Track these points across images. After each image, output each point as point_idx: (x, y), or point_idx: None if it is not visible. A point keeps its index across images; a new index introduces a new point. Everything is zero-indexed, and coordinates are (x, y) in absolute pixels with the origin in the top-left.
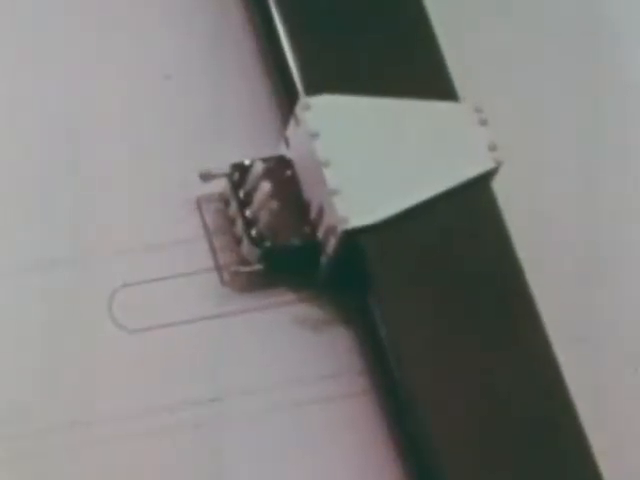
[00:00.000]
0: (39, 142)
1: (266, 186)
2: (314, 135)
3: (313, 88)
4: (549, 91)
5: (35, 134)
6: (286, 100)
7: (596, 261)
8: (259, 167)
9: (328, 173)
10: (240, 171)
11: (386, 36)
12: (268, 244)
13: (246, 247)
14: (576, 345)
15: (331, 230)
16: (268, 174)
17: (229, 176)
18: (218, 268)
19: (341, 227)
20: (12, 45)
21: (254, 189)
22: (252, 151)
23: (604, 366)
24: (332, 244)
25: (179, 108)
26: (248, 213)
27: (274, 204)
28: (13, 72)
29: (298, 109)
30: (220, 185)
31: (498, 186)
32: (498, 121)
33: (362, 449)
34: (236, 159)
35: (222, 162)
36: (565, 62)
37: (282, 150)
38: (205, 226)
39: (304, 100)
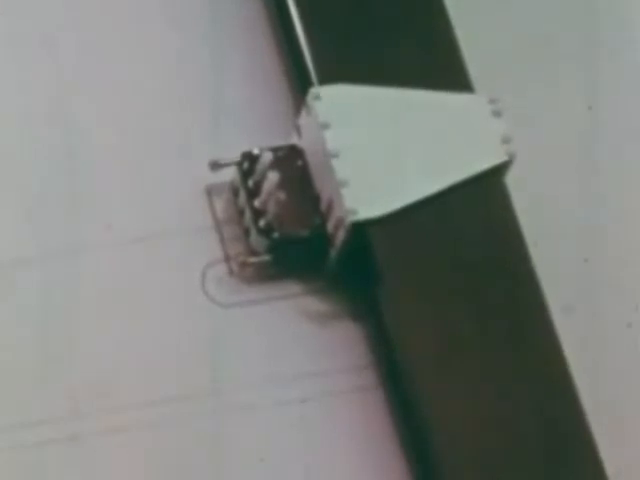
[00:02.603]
0: (47, 134)
1: (274, 176)
2: (324, 125)
3: (327, 77)
4: (562, 82)
5: (44, 127)
6: (301, 89)
7: (605, 254)
8: (267, 157)
9: (337, 164)
10: (249, 160)
11: (402, 26)
12: (276, 235)
13: (254, 237)
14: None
15: (340, 222)
16: (277, 164)
17: (239, 165)
18: (226, 258)
19: (349, 219)
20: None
21: (263, 179)
22: (268, 139)
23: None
24: (340, 236)
25: (193, 95)
26: (257, 203)
27: (282, 195)
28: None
29: (309, 99)
30: (232, 174)
31: (510, 179)
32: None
33: (367, 443)
34: (253, 147)
35: (238, 150)
36: (578, 55)
37: (294, 140)
38: (214, 216)
39: (315, 90)
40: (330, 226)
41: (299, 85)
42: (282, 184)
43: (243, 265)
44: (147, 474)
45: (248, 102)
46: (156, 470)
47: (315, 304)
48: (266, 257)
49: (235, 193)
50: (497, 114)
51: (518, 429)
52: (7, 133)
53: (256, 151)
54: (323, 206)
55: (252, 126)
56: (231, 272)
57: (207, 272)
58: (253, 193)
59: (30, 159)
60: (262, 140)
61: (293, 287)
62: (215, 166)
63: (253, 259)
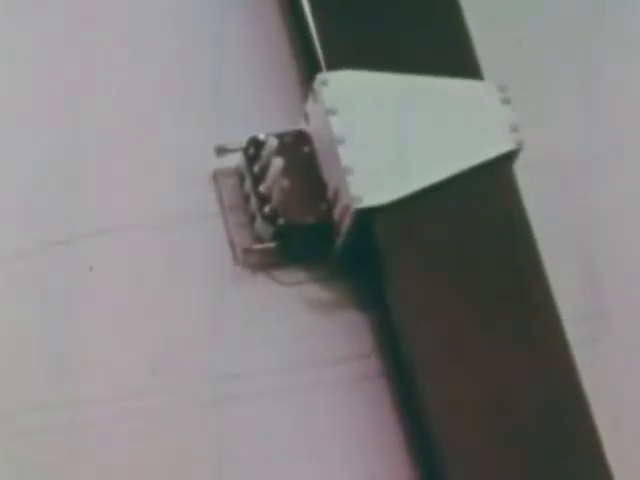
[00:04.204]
0: (50, 122)
1: (278, 162)
2: (330, 111)
3: (336, 63)
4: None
5: (47, 116)
6: (310, 75)
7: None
8: (273, 143)
9: (343, 150)
10: (255, 146)
11: (412, 12)
12: (281, 221)
13: (259, 224)
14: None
15: (346, 209)
16: (282, 150)
17: (245, 151)
18: (231, 245)
19: (354, 206)
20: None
21: (268, 165)
22: (279, 124)
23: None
24: (346, 224)
25: (201, 78)
26: (262, 189)
27: (285, 182)
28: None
29: (316, 84)
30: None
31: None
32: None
33: (370, 431)
34: (266, 132)
35: (248, 135)
36: (587, 45)
37: (302, 125)
38: (220, 201)
39: (322, 75)
40: (336, 213)
41: (308, 70)
42: (287, 170)
43: (247, 252)
44: (146, 462)
45: (258, 86)
46: (154, 458)
47: (320, 292)
48: (271, 244)
49: (241, 179)
50: (506, 102)
51: (521, 419)
52: (8, 130)
53: (262, 136)
54: (330, 193)
55: (262, 111)
56: (235, 259)
57: (212, 258)
58: (258, 179)
59: (32, 148)
60: (273, 125)
61: (298, 275)
62: (221, 151)
63: (257, 246)
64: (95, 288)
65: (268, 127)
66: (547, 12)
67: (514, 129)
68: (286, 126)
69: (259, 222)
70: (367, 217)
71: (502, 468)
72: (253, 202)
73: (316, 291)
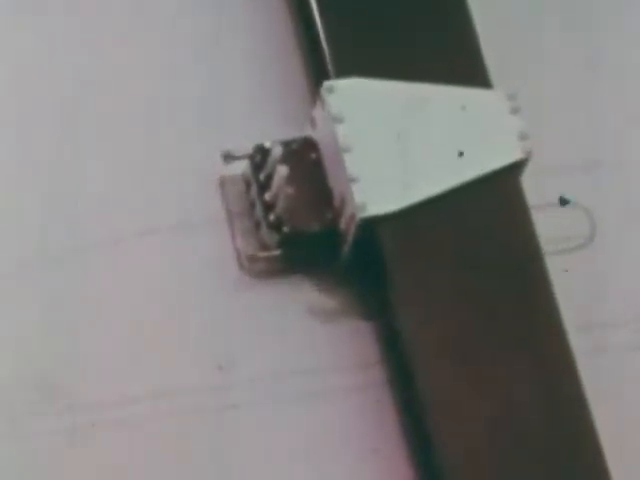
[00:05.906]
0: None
1: (283, 170)
2: (337, 119)
3: (344, 70)
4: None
5: (51, 123)
6: (318, 81)
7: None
8: (278, 150)
9: (348, 159)
10: (262, 153)
11: (421, 20)
12: (286, 229)
13: (265, 232)
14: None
15: (351, 218)
16: (288, 157)
17: (251, 158)
18: (237, 252)
19: (358, 215)
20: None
21: (273, 172)
22: (287, 131)
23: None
24: (351, 232)
25: (210, 83)
26: (267, 197)
27: (290, 189)
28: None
29: (323, 91)
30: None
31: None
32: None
33: (373, 439)
34: (273, 137)
35: (256, 142)
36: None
37: (309, 131)
38: (226, 208)
39: (329, 82)
40: (343, 222)
41: (316, 76)
42: (293, 177)
43: (252, 259)
44: (146, 468)
45: (265, 91)
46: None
47: (325, 300)
48: (276, 251)
49: (247, 186)
50: (515, 111)
51: (525, 430)
52: (7, 131)
53: (267, 144)
54: (336, 201)
55: (270, 116)
56: (241, 266)
57: (218, 265)
58: (264, 186)
59: (32, 151)
60: (281, 131)
61: (303, 283)
62: (228, 158)
63: (263, 253)
64: (97, 294)
65: (276, 133)
66: (548, 12)
67: (523, 138)
68: (294, 132)
69: (264, 229)
70: (372, 225)
71: (503, 474)
72: (258, 210)
73: (321, 299)
